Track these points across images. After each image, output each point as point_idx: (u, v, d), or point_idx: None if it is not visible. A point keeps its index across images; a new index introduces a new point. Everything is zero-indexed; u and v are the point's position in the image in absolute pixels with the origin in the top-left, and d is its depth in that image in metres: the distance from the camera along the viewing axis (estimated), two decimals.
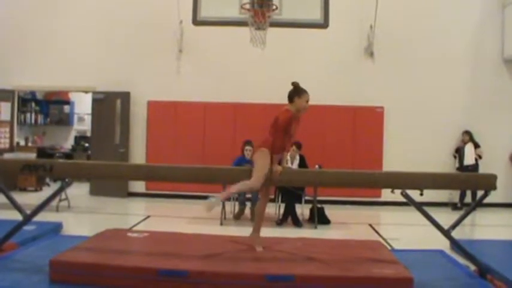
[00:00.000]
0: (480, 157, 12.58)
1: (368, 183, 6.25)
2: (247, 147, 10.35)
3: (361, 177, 6.05)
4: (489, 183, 5.85)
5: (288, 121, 5.71)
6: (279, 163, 5.89)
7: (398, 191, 5.79)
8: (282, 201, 10.42)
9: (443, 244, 6.95)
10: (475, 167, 12.47)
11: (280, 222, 10.06)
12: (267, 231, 8.99)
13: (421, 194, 5.67)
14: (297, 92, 5.85)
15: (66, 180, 6.03)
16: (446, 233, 5.92)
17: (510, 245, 8.17)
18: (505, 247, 7.94)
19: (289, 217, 10.12)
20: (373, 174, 6.16)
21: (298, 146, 10.34)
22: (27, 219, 6.04)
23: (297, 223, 10.00)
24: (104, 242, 6.24)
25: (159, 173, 6.16)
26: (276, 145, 5.74)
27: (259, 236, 6.28)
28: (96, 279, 5.14)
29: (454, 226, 5.98)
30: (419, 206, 5.83)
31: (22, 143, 15.42)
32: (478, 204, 6.46)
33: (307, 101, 5.87)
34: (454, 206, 12.42)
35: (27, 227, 6.68)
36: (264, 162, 5.70)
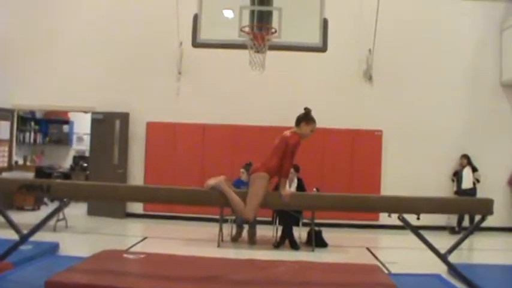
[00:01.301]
0: (478, 181, 12.59)
1: (365, 207, 6.25)
2: (241, 170, 10.43)
3: (358, 201, 6.06)
4: (486, 207, 5.85)
5: (298, 144, 5.76)
6: (276, 188, 5.89)
7: (395, 215, 5.79)
8: (279, 224, 10.40)
9: (441, 268, 6.91)
10: (473, 191, 12.47)
11: (278, 244, 10.04)
12: (264, 254, 9.02)
13: (418, 218, 5.68)
14: (306, 118, 5.93)
15: (64, 200, 6.01)
16: (443, 258, 5.92)
17: (507, 270, 8.17)
18: (502, 271, 7.93)
19: (286, 240, 10.10)
20: (369, 198, 6.17)
21: (296, 169, 10.34)
22: (24, 238, 6.02)
23: (294, 246, 9.98)
24: (100, 264, 6.23)
25: (156, 195, 6.15)
26: (285, 168, 5.75)
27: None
28: None
29: (451, 250, 5.98)
30: (416, 230, 5.83)
31: (20, 161, 15.41)
32: (475, 228, 6.46)
33: (312, 131, 5.95)
34: (452, 230, 12.40)
35: (24, 247, 6.66)
36: (259, 188, 5.70)
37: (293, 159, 5.78)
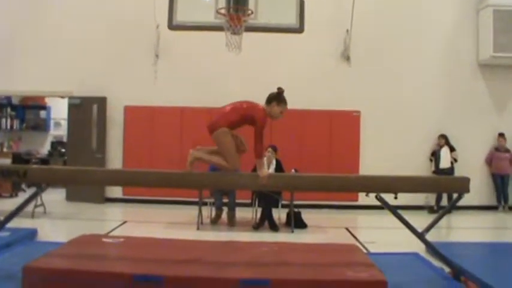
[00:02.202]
0: (456, 160, 12.70)
1: (343, 186, 6.26)
2: None
3: (336, 181, 6.06)
4: (462, 186, 5.89)
5: (265, 121, 5.70)
6: (254, 170, 5.90)
7: (373, 195, 5.82)
8: (258, 206, 10.42)
9: (419, 247, 6.98)
10: (450, 171, 12.58)
11: (257, 226, 10.05)
12: (243, 236, 9.05)
13: (396, 198, 5.70)
14: (278, 98, 5.81)
15: (42, 185, 5.95)
16: (420, 236, 5.97)
17: (484, 247, 8.27)
18: (479, 249, 8.02)
19: (265, 221, 10.12)
20: (347, 178, 6.18)
21: (274, 149, 10.34)
22: (1, 225, 5.97)
23: (273, 227, 10.01)
24: (78, 248, 6.18)
25: (133, 179, 6.11)
26: (258, 149, 5.65)
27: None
28: (70, 285, 5.09)
29: (428, 229, 6.03)
30: (394, 209, 5.86)
31: None
32: (452, 207, 6.53)
33: (282, 113, 5.86)
34: (430, 209, 12.51)
35: (1, 234, 6.61)
36: (228, 143, 5.71)
37: (263, 138, 5.68)
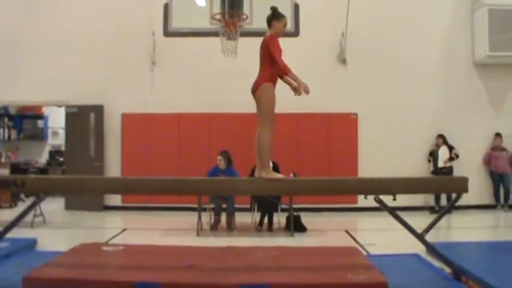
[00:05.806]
0: (457, 156, 12.64)
1: (341, 189, 6.27)
2: (219, 157, 10.34)
3: (334, 184, 6.07)
4: (461, 185, 5.90)
5: (274, 40, 5.88)
6: (252, 173, 5.90)
7: (371, 197, 5.81)
8: (258, 211, 10.43)
9: (419, 248, 6.96)
10: (449, 170, 12.58)
11: (260, 224, 10.28)
12: (243, 241, 9.03)
13: (394, 199, 5.70)
14: (275, 15, 6.01)
15: (40, 195, 5.93)
16: (420, 237, 5.96)
17: (484, 246, 8.26)
18: (479, 248, 8.01)
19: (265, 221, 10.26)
20: (345, 181, 6.19)
21: None
22: (0, 236, 5.96)
23: (270, 227, 10.24)
24: (78, 257, 6.19)
25: (131, 186, 6.11)
26: (280, 66, 5.94)
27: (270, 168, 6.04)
28: None
29: (428, 230, 6.03)
30: (392, 211, 5.85)
31: None
32: (451, 207, 6.52)
33: (285, 25, 6.11)
34: (431, 209, 12.49)
35: (1, 244, 6.60)
36: (270, 98, 5.88)
37: (280, 57, 5.88)
